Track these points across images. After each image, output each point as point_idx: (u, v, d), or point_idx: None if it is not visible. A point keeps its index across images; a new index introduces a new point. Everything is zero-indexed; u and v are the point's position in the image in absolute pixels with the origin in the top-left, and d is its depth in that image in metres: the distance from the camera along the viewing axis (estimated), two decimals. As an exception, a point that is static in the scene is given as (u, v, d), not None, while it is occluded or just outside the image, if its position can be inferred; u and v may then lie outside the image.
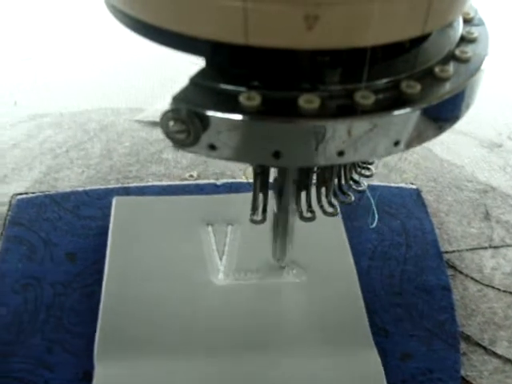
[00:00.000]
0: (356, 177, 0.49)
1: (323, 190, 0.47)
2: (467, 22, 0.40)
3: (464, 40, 0.39)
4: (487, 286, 0.61)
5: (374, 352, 0.53)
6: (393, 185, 0.71)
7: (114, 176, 0.72)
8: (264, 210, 0.48)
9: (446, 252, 0.64)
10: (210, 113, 0.32)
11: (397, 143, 0.34)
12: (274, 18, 0.29)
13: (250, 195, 0.50)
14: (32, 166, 0.74)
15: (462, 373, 0.53)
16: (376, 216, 0.63)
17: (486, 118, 0.84)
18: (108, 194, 0.68)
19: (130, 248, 0.61)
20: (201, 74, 0.34)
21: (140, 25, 0.34)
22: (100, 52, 0.94)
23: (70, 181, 0.71)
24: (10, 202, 0.68)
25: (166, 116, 0.32)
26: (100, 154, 0.75)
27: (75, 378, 0.52)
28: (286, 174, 0.46)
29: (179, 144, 0.33)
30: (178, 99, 0.32)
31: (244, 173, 0.67)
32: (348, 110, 0.32)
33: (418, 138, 0.35)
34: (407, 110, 0.33)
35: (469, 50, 0.37)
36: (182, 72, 0.39)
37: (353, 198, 0.49)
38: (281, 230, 0.52)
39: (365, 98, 0.32)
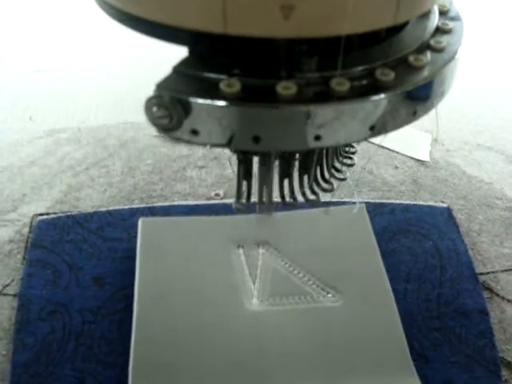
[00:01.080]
0: (338, 165, 0.50)
1: (305, 177, 0.48)
2: (443, 14, 0.42)
3: (439, 31, 0.40)
4: (525, 308, 0.60)
5: (417, 380, 0.51)
6: (423, 203, 0.70)
7: (138, 195, 0.70)
8: (248, 198, 0.49)
9: (481, 274, 0.63)
10: (192, 99, 0.34)
11: (372, 128, 0.36)
12: (251, 7, 0.31)
13: (280, 215, 0.50)
14: (52, 185, 0.72)
15: (506, 401, 0.52)
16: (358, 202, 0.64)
17: (508, 132, 0.83)
18: (133, 214, 0.66)
19: (159, 272, 0.59)
20: (183, 62, 0.36)
21: (126, 17, 0.36)
22: (118, 64, 0.93)
23: (92, 200, 0.70)
24: (31, 223, 0.67)
25: (149, 102, 0.34)
26: (122, 172, 0.73)
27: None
28: (268, 162, 0.46)
29: (163, 129, 0.35)
30: (161, 87, 0.34)
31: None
32: (324, 96, 0.34)
33: (393, 124, 0.37)
34: (381, 96, 0.35)
35: (443, 41, 0.39)
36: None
37: (335, 186, 0.50)
38: (264, 217, 0.52)
39: (340, 84, 0.34)
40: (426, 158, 0.78)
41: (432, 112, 0.78)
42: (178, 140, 0.36)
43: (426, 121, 0.78)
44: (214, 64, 0.36)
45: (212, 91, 0.34)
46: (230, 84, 0.34)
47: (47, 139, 0.79)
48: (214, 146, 0.37)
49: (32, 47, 0.99)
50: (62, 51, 0.97)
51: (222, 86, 0.33)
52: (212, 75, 0.35)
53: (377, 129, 0.36)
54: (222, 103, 0.34)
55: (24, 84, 0.89)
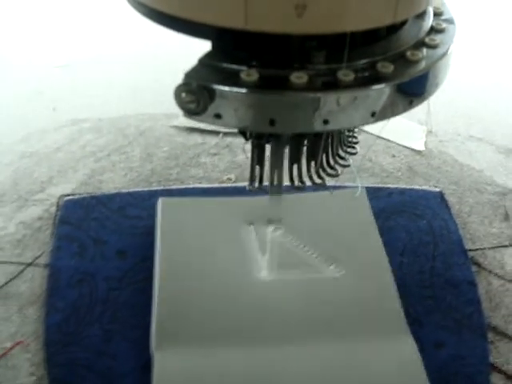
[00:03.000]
0: (342, 153, 0.56)
1: (312, 163, 0.53)
2: (437, 15, 0.47)
3: (433, 30, 0.45)
4: (510, 281, 0.66)
5: (411, 339, 0.57)
6: (418, 187, 0.76)
7: (156, 178, 0.76)
8: (260, 181, 0.54)
9: (470, 250, 0.69)
10: (216, 86, 0.38)
11: (373, 114, 0.41)
12: (269, 6, 0.36)
13: (289, 197, 0.56)
14: (76, 169, 0.78)
15: (491, 360, 0.58)
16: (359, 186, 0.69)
17: (502, 126, 0.90)
18: (152, 195, 0.72)
19: (178, 246, 0.65)
20: (208, 55, 0.40)
21: (156, 14, 0.40)
22: (136, 59, 0.99)
23: (114, 183, 0.76)
24: (58, 202, 0.73)
25: (179, 89, 0.38)
26: (140, 158, 0.79)
27: (136, 365, 0.56)
28: (280, 149, 0.52)
29: (190, 113, 0.40)
30: (189, 75, 0.38)
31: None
32: (332, 85, 0.39)
33: (392, 111, 0.42)
34: (382, 85, 0.39)
35: (437, 39, 0.44)
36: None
37: (339, 172, 0.55)
38: (275, 198, 0.58)
39: (346, 75, 0.39)
40: (420, 147, 0.84)
41: (427, 106, 0.84)
42: (204, 122, 0.41)
43: (421, 114, 0.85)
44: (234, 56, 0.40)
45: (233, 80, 0.39)
46: (250, 74, 0.38)
47: (71, 128, 0.85)
48: (234, 127, 0.42)
49: (54, 44, 1.06)
50: (82, 48, 1.04)
51: (243, 75, 0.38)
52: (233, 66, 0.40)
53: (377, 115, 0.41)
54: (242, 90, 0.38)
55: (48, 78, 0.96)
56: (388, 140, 0.84)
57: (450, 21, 0.48)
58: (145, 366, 0.55)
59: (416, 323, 0.60)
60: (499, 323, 0.62)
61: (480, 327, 0.61)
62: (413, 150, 0.83)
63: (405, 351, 0.57)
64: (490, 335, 0.61)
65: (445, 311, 0.62)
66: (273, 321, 0.59)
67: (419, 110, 0.84)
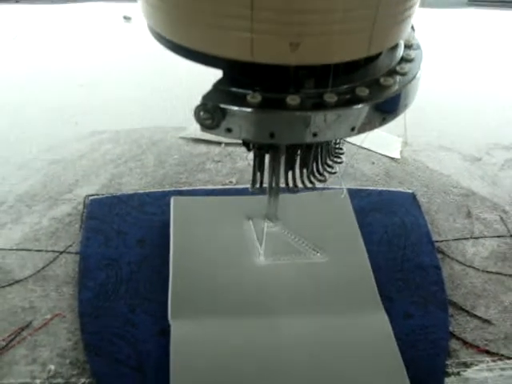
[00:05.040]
0: (330, 162, 0.64)
1: (304, 170, 0.62)
2: (408, 46, 0.55)
3: (403, 59, 0.54)
4: (469, 266, 0.77)
5: (383, 311, 0.69)
6: (393, 189, 0.88)
7: (168, 182, 0.88)
8: (261, 184, 0.63)
9: (437, 241, 0.80)
10: (228, 106, 0.46)
11: (353, 129, 0.49)
12: (270, 44, 0.44)
13: (282, 197, 0.67)
14: (98, 174, 0.90)
15: (451, 329, 0.69)
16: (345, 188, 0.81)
17: (468, 137, 1.02)
18: (165, 195, 0.84)
19: (188, 236, 0.77)
20: (220, 81, 0.49)
21: (178, 47, 0.48)
22: (148, 79, 1.11)
23: (132, 185, 0.87)
24: (84, 201, 0.84)
25: (198, 108, 0.46)
26: (154, 164, 0.91)
27: (155, 332, 0.67)
28: (278, 158, 0.60)
29: (206, 128, 0.48)
30: (205, 98, 0.47)
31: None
32: (319, 105, 0.47)
33: (368, 126, 0.50)
34: (359, 106, 0.48)
35: (406, 67, 0.52)
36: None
37: (327, 178, 0.63)
38: (273, 199, 0.68)
39: (331, 98, 0.47)
40: (397, 156, 0.96)
41: (404, 121, 0.97)
42: (218, 142, 0.51)
43: (398, 127, 0.97)
44: (242, 82, 0.48)
45: (241, 101, 0.47)
46: (254, 96, 0.46)
47: (92, 139, 0.97)
48: (242, 139, 0.51)
49: (75, 65, 1.18)
50: (100, 68, 1.16)
51: (248, 97, 0.46)
52: (241, 90, 0.47)
53: (357, 129, 0.49)
54: (248, 110, 0.46)
55: (69, 95, 1.08)
56: (369, 149, 0.96)
57: (417, 49, 0.56)
58: (162, 332, 0.66)
59: (388, 300, 0.71)
60: (459, 300, 0.73)
61: (442, 303, 0.72)
62: (390, 157, 0.95)
63: (378, 321, 0.68)
64: (451, 309, 0.71)
65: (413, 290, 0.73)
66: (268, 297, 0.71)
67: (397, 124, 0.97)
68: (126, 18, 1.37)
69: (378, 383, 0.62)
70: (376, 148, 0.96)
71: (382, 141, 0.97)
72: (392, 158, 0.95)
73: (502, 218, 0.85)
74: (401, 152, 0.96)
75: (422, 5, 1.31)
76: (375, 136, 0.94)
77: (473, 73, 1.22)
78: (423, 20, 1.35)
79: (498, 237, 0.82)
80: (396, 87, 0.50)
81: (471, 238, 0.82)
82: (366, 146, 0.96)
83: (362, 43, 0.46)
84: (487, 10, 1.49)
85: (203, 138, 0.93)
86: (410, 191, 0.88)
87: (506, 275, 0.76)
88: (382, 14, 0.45)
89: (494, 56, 1.29)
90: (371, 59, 0.51)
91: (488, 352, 0.67)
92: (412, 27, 0.58)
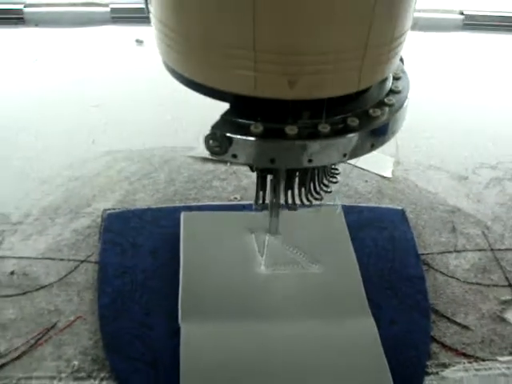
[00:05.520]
0: (326, 182, 0.69)
1: (303, 190, 0.67)
2: (396, 79, 0.61)
3: (391, 91, 0.59)
4: (451, 277, 0.85)
5: (371, 317, 0.76)
6: (384, 206, 0.96)
7: (178, 198, 0.96)
8: (263, 202, 0.70)
9: (422, 254, 0.88)
10: (234, 135, 0.52)
11: (345, 155, 0.55)
12: (271, 81, 0.50)
13: (282, 213, 0.74)
14: (113, 190, 0.98)
15: (432, 334, 0.77)
16: (340, 205, 0.89)
17: (456, 157, 1.10)
18: (176, 210, 0.92)
19: (197, 248, 0.85)
20: (227, 112, 0.54)
21: (189, 81, 0.54)
22: (159, 102, 1.20)
23: (145, 201, 0.96)
24: (102, 215, 0.93)
25: (207, 137, 0.53)
26: (165, 181, 1.00)
27: (167, 334, 0.74)
28: (278, 179, 0.66)
29: (215, 154, 0.53)
30: (214, 127, 0.53)
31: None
32: (314, 135, 0.53)
33: (359, 152, 0.55)
34: (350, 135, 0.54)
35: (393, 99, 0.57)
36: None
37: (323, 197, 0.69)
38: (274, 215, 0.74)
39: (324, 128, 0.52)
40: (388, 175, 1.04)
41: (395, 142, 1.05)
42: (222, 161, 0.59)
43: (390, 148, 1.06)
44: (246, 114, 0.53)
45: (245, 131, 0.52)
46: (257, 126, 0.52)
47: (107, 157, 1.05)
48: (245, 164, 0.59)
49: (90, 88, 1.27)
50: (113, 90, 1.24)
51: (252, 127, 0.52)
52: (245, 121, 0.53)
53: (347, 155, 0.55)
54: (251, 138, 0.52)
55: (86, 116, 1.16)
56: (362, 169, 1.04)
57: (405, 81, 0.61)
58: (173, 333, 0.74)
59: (376, 306, 0.78)
60: (440, 308, 0.80)
61: (426, 310, 0.79)
62: (382, 176, 1.03)
63: (366, 326, 0.75)
64: (433, 316, 0.78)
65: (399, 298, 0.81)
66: (269, 303, 0.78)
67: (389, 145, 1.06)
68: (139, 42, 1.46)
69: (363, 380, 0.70)
70: (369, 167, 1.04)
71: (375, 160, 1.05)
72: (384, 177, 1.03)
73: (483, 233, 0.93)
74: (392, 171, 1.04)
75: (419, 29, 1.40)
76: (369, 156, 1.00)
77: (462, 95, 1.30)
78: (417, 43, 1.44)
79: (479, 250, 0.90)
80: (384, 117, 0.56)
81: (454, 251, 0.89)
82: (360, 166, 1.04)
83: (352, 80, 0.52)
84: (482, 34, 1.56)
85: (211, 157, 1.01)
86: (400, 208, 0.96)
87: (484, 285, 0.84)
88: (369, 55, 0.51)
89: (484, 78, 1.37)
90: (361, 93, 0.56)
91: (465, 354, 0.75)
92: (401, 60, 0.64)
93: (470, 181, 1.04)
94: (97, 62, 1.37)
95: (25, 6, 1.53)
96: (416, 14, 1.47)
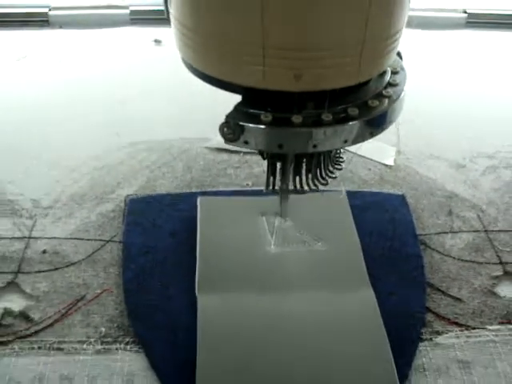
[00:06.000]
0: (331, 168, 0.73)
1: (310, 176, 0.71)
2: (394, 73, 0.65)
3: (390, 84, 0.63)
4: (446, 255, 0.92)
5: (370, 289, 0.84)
6: (386, 191, 1.03)
7: (195, 184, 1.04)
8: (273, 187, 0.74)
9: (420, 235, 0.95)
10: (246, 124, 0.57)
11: (345, 141, 0.59)
12: (279, 75, 0.54)
13: (291, 197, 0.80)
14: (136, 177, 1.06)
15: (427, 305, 0.83)
16: (344, 190, 0.96)
17: (455, 147, 1.16)
18: (193, 195, 1.00)
19: (212, 229, 0.92)
20: (240, 103, 0.59)
21: (205, 75, 0.59)
22: (177, 96, 1.27)
23: (165, 187, 1.04)
24: (125, 200, 1.01)
25: (222, 125, 0.58)
26: (183, 169, 1.08)
27: (185, 304, 0.82)
28: (286, 165, 0.70)
29: (228, 140, 0.58)
30: (228, 116, 0.58)
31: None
32: (318, 123, 0.57)
33: (359, 139, 0.60)
34: (350, 123, 0.58)
35: (391, 91, 0.62)
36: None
37: (329, 182, 0.73)
38: (284, 200, 0.80)
39: (327, 117, 0.57)
40: (390, 163, 1.10)
41: (397, 132, 1.12)
42: (235, 152, 0.65)
43: (393, 138, 1.13)
44: (256, 104, 0.58)
45: (256, 120, 0.57)
46: (266, 116, 0.57)
47: (130, 148, 1.13)
48: (257, 149, 0.64)
49: (113, 84, 1.35)
50: (136, 87, 1.33)
51: (262, 117, 0.57)
52: (256, 111, 0.58)
53: (349, 142, 0.60)
54: (262, 126, 0.57)
55: (110, 111, 1.24)
56: (366, 158, 1.11)
57: (402, 75, 0.65)
58: (190, 304, 0.81)
59: (376, 280, 0.84)
60: (436, 282, 0.86)
61: (422, 284, 0.86)
62: (385, 164, 1.10)
63: (366, 296, 0.82)
64: (428, 290, 0.85)
65: (398, 273, 0.87)
66: (278, 277, 0.85)
67: (392, 135, 1.13)
68: (157, 41, 1.54)
69: (362, 347, 0.76)
70: (373, 156, 1.11)
71: (378, 150, 1.12)
72: (386, 165, 1.10)
73: (478, 216, 0.99)
74: (394, 160, 1.11)
75: (424, 27, 1.47)
76: (373, 146, 1.08)
77: (463, 89, 1.36)
78: (421, 40, 1.51)
79: (474, 231, 0.96)
80: (382, 108, 0.61)
81: (450, 232, 0.96)
82: (363, 154, 1.11)
83: (352, 74, 0.57)
84: (484, 32, 1.63)
85: (225, 147, 1.09)
86: (400, 193, 1.03)
87: (477, 263, 0.91)
88: (366, 51, 0.56)
89: (484, 73, 1.43)
90: (361, 85, 0.60)
91: (457, 323, 0.81)
92: (400, 56, 0.69)
93: (468, 168, 1.11)
94: (118, 61, 1.45)
95: (50, 9, 1.62)
96: (420, 13, 1.55)
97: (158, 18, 1.55)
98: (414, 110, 1.19)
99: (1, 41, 1.56)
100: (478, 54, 1.54)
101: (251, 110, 0.59)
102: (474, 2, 1.63)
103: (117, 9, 1.64)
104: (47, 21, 1.62)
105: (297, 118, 0.57)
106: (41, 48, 1.53)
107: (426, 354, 0.77)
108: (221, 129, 0.58)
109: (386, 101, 0.62)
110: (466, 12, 1.63)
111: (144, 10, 1.61)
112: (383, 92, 0.62)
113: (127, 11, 1.63)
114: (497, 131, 1.22)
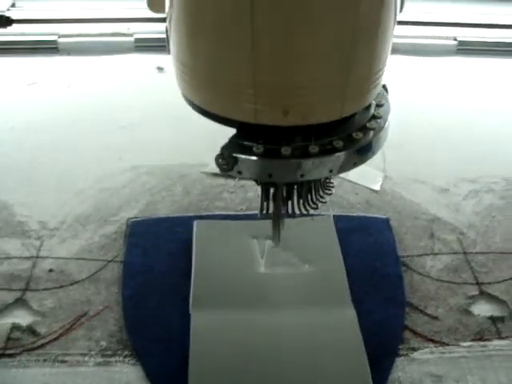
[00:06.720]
0: (321, 194, 0.76)
1: (301, 201, 0.75)
2: (378, 106, 0.68)
3: (374, 117, 0.67)
4: (426, 276, 0.98)
5: (352, 308, 0.90)
6: (371, 215, 1.10)
7: (192, 208, 1.11)
8: (267, 211, 0.78)
9: (402, 256, 1.01)
10: (239, 155, 0.62)
11: (331, 171, 0.64)
12: (268, 112, 0.59)
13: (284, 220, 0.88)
14: (137, 200, 1.13)
15: (405, 323, 0.89)
16: (331, 214, 1.00)
17: (439, 172, 1.22)
18: (190, 218, 1.06)
19: (207, 251, 0.99)
20: (234, 136, 0.64)
21: (203, 110, 0.64)
22: (177, 122, 1.33)
23: (164, 210, 1.10)
24: (127, 222, 1.08)
25: (218, 156, 0.62)
26: (181, 193, 1.14)
27: (182, 319, 0.87)
28: (278, 191, 0.74)
29: (223, 170, 0.62)
30: (223, 148, 0.62)
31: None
32: (305, 154, 0.62)
33: (343, 169, 0.65)
34: (335, 155, 0.63)
35: (374, 124, 0.66)
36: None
37: (319, 207, 0.76)
38: (276, 225, 0.82)
39: (313, 148, 0.62)
40: (377, 188, 1.16)
41: (383, 158, 1.18)
42: (230, 176, 0.71)
43: (380, 163, 1.19)
44: (249, 137, 0.63)
45: (249, 152, 0.62)
46: (258, 148, 0.62)
47: (132, 172, 1.20)
48: (249, 179, 0.70)
49: (116, 110, 1.42)
50: (139, 113, 1.39)
51: (254, 148, 0.61)
52: (249, 143, 0.62)
53: (334, 171, 0.64)
54: (253, 158, 0.62)
55: (113, 135, 1.31)
56: (355, 182, 1.17)
57: (386, 108, 0.69)
58: (186, 321, 0.87)
59: (358, 300, 0.91)
60: (414, 301, 0.92)
61: (401, 304, 0.92)
62: (372, 189, 1.17)
63: (347, 316, 0.88)
64: (407, 309, 0.91)
65: (379, 293, 0.93)
66: (267, 297, 0.91)
67: (379, 161, 1.19)
68: (159, 69, 1.61)
69: (342, 362, 0.82)
70: (361, 181, 1.17)
71: (367, 175, 1.18)
72: (373, 190, 1.16)
73: (458, 239, 1.05)
74: (381, 185, 1.18)
75: (413, 53, 1.55)
76: (361, 171, 1.13)
77: (449, 115, 1.42)
78: (412, 66, 1.58)
79: (454, 253, 1.02)
80: (366, 139, 0.65)
81: (431, 254, 1.02)
82: (352, 180, 1.17)
83: (336, 110, 0.62)
84: (473, 58, 1.69)
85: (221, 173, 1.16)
86: (385, 217, 1.09)
87: (455, 283, 0.97)
88: (350, 90, 0.61)
89: (473, 99, 1.49)
90: (346, 119, 0.64)
91: (432, 340, 0.87)
92: (385, 89, 0.72)
93: (451, 193, 1.17)
94: (122, 87, 1.53)
95: (59, 37, 1.69)
96: (412, 40, 1.62)
97: (162, 45, 1.61)
98: (402, 136, 1.25)
99: (12, 67, 1.64)
100: (466, 79, 1.60)
101: (245, 142, 0.63)
102: (464, 30, 1.69)
103: (122, 36, 1.71)
104: (56, 48, 1.69)
105: (286, 150, 0.62)
106: (50, 73, 1.60)
107: (402, 369, 0.83)
108: (216, 160, 0.63)
109: (371, 133, 0.66)
110: (456, 39, 1.69)
111: (148, 38, 1.69)
112: (367, 125, 0.66)
113: (132, 39, 1.71)
114: (480, 156, 1.28)
